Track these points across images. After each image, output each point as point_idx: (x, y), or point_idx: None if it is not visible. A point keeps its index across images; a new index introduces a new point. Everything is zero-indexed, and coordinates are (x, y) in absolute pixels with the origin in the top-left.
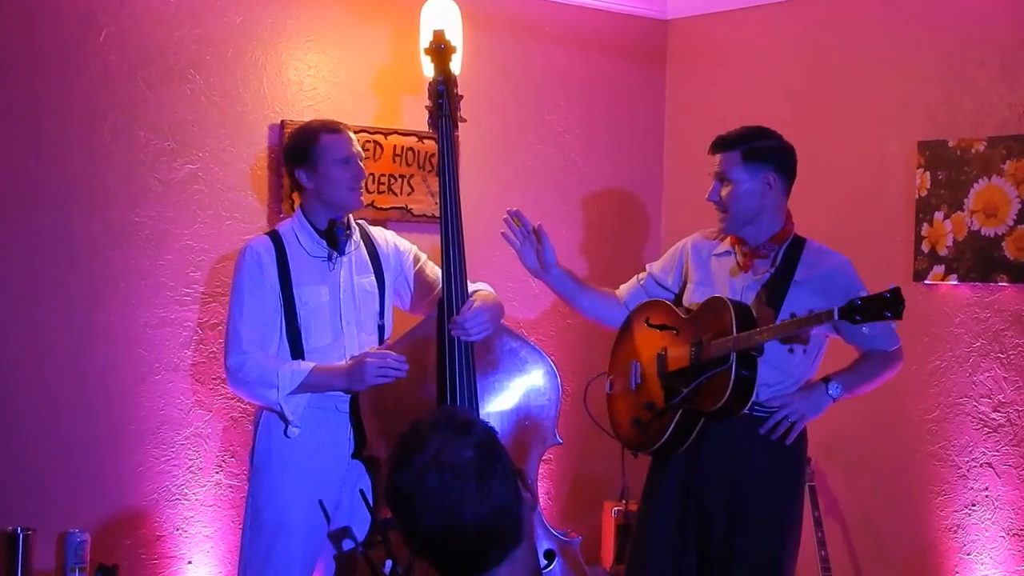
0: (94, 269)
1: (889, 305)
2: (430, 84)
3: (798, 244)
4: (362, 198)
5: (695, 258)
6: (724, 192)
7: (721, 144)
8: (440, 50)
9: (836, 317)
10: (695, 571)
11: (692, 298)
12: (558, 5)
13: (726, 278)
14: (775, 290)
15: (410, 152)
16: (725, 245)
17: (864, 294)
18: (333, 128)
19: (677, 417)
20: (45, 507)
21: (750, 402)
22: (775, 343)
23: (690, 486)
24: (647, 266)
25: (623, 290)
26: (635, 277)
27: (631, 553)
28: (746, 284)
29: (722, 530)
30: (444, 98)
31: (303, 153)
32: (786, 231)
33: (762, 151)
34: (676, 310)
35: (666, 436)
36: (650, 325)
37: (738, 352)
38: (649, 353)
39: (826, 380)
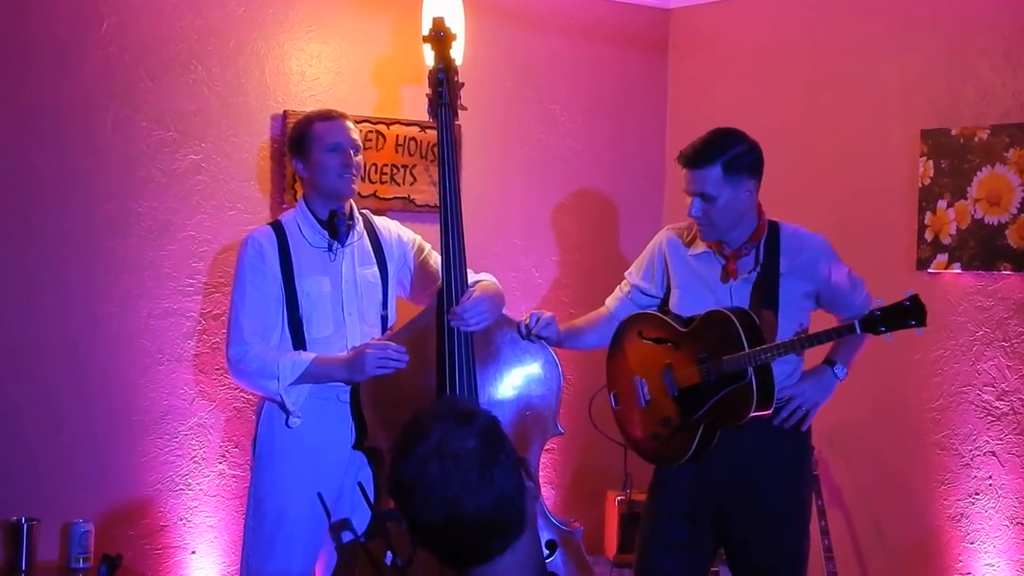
0: (97, 260)
1: (912, 314)
2: (430, 72)
3: (774, 232)
4: (354, 186)
5: (674, 259)
6: (707, 208)
7: (697, 159)
8: (440, 38)
9: (859, 331)
10: (708, 557)
11: (681, 303)
12: None
13: (713, 283)
14: (766, 290)
15: (412, 142)
16: (700, 246)
17: (838, 270)
18: (327, 116)
19: (700, 431)
20: (49, 497)
21: (772, 407)
22: (778, 331)
23: (703, 476)
24: (626, 275)
25: (611, 304)
26: (618, 288)
27: (642, 538)
28: (734, 287)
29: (744, 519)
30: (444, 86)
31: (298, 142)
32: (761, 226)
33: (739, 161)
34: (669, 321)
35: (692, 450)
36: (644, 338)
37: (755, 366)
38: (652, 369)
39: (830, 363)
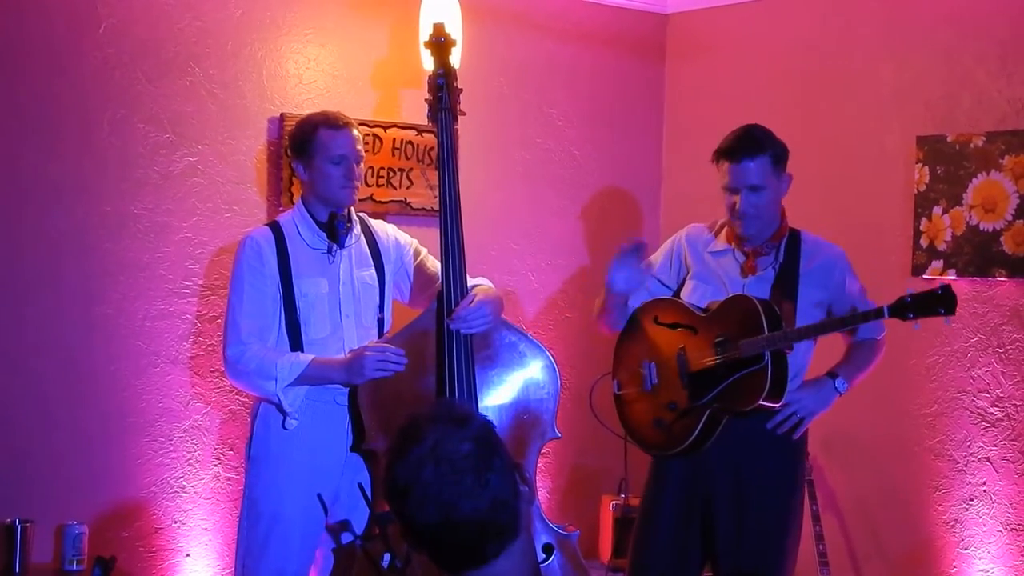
0: (92, 261)
1: (942, 302)
2: (430, 77)
3: (795, 237)
4: (355, 195)
5: (692, 252)
6: (756, 200)
7: (749, 151)
8: (440, 43)
9: (887, 316)
10: (700, 557)
11: (693, 293)
12: None
13: (729, 280)
14: (786, 287)
15: (409, 145)
16: (721, 243)
17: (853, 284)
18: (333, 124)
19: (705, 416)
20: (43, 499)
21: (783, 398)
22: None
23: (696, 475)
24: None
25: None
26: None
27: (635, 538)
28: (748, 281)
29: (730, 517)
30: (444, 91)
31: (300, 145)
32: (783, 227)
33: (781, 153)
34: (689, 308)
35: (694, 435)
36: (660, 323)
37: (772, 350)
38: (665, 352)
39: (832, 376)
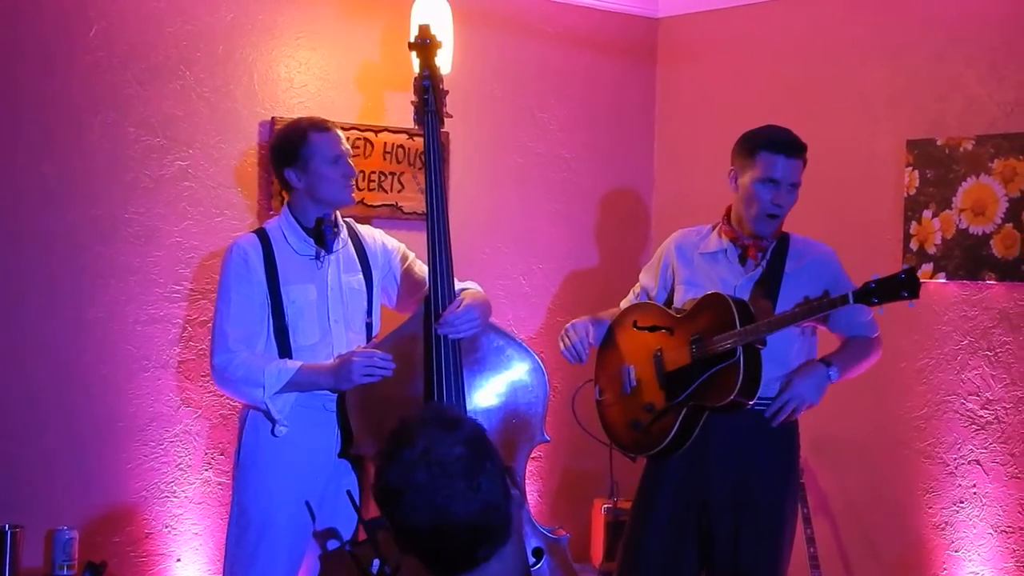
0: (83, 265)
1: (906, 285)
2: (415, 80)
3: (784, 239)
4: (353, 194)
5: (680, 257)
6: (792, 199)
7: (802, 149)
8: (424, 45)
9: (851, 301)
10: (694, 561)
11: (684, 297)
12: (550, 3)
13: (719, 280)
14: (769, 285)
15: (400, 149)
16: (713, 244)
17: (846, 281)
18: (321, 127)
19: (682, 415)
20: (33, 504)
21: (757, 393)
22: (779, 333)
23: (691, 479)
24: (640, 277)
25: (624, 305)
26: (632, 291)
27: (627, 539)
28: (739, 282)
29: (729, 522)
30: (430, 93)
31: (292, 153)
32: (780, 225)
33: None
34: (667, 310)
35: (671, 436)
36: (639, 328)
37: (744, 345)
38: (642, 355)
39: (825, 363)
